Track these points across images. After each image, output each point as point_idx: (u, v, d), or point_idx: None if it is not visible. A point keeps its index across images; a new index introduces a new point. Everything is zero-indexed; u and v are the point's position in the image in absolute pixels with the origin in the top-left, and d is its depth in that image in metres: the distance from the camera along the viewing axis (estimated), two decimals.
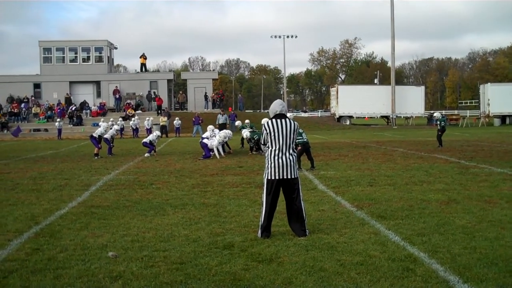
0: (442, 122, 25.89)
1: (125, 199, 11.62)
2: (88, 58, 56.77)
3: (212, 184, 13.75)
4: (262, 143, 8.20)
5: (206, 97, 57.02)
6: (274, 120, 7.95)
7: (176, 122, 45.66)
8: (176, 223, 8.98)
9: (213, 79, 63.48)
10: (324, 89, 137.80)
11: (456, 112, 79.54)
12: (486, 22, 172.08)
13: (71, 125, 50.04)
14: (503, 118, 59.01)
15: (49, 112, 52.07)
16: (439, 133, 25.83)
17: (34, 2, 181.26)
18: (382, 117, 63.76)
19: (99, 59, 56.78)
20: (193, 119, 45.80)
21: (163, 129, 45.49)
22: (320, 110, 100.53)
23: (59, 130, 44.38)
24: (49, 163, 20.35)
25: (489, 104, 58.17)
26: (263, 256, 6.87)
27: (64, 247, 7.48)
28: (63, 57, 56.62)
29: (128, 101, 54.82)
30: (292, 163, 7.91)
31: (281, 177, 7.87)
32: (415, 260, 6.62)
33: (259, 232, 7.93)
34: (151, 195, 12.07)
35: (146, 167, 18.24)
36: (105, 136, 23.47)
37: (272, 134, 7.86)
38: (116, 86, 54.93)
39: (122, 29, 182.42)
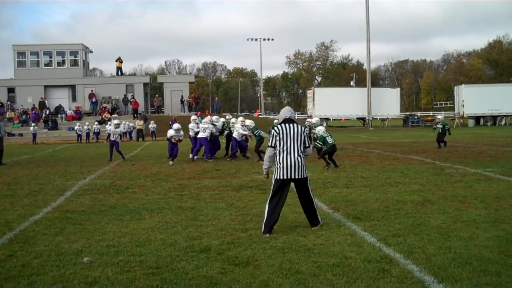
0: (446, 126, 26.04)
1: (100, 203, 11.52)
2: (63, 62, 56.31)
3: (188, 187, 13.71)
4: (270, 145, 8.47)
5: (182, 100, 56.83)
6: (283, 124, 8.46)
7: (152, 125, 45.42)
8: (152, 227, 8.93)
9: (189, 82, 63.48)
10: (300, 91, 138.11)
11: (431, 113, 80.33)
12: (457, 24, 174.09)
13: (46, 130, 49.52)
14: (477, 119, 59.76)
15: (23, 117, 51.47)
16: (442, 135, 25.68)
17: (7, 6, 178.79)
18: (358, 119, 64.17)
19: (74, 63, 56.36)
20: (170, 122, 45.53)
21: (139, 132, 45.29)
22: (297, 113, 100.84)
23: (34, 135, 43.90)
24: (23, 168, 20.11)
25: (463, 105, 58.85)
26: (239, 259, 6.86)
27: (39, 253, 7.39)
28: (38, 61, 56.12)
29: (104, 105, 54.42)
30: (300, 164, 8.34)
31: (289, 177, 8.33)
32: (391, 261, 6.66)
33: (262, 228, 8.26)
34: (127, 200, 11.98)
35: (122, 171, 18.12)
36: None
37: (282, 136, 8.32)
38: (92, 90, 54.57)
39: (96, 32, 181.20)
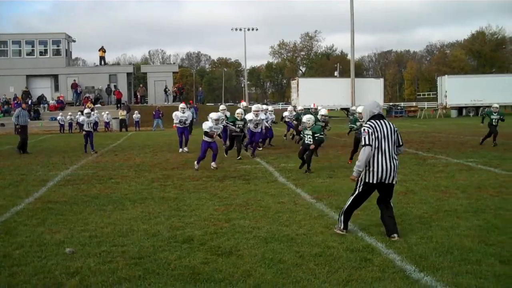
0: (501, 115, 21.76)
1: (83, 194, 11.46)
2: (46, 51, 55.67)
3: (172, 178, 13.67)
4: (367, 143, 7.36)
5: (166, 90, 56.56)
6: (376, 121, 7.44)
7: (135, 116, 45.13)
8: (135, 218, 8.91)
9: (173, 72, 63.02)
10: (285, 82, 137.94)
11: (414, 104, 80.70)
12: (439, 15, 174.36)
13: (29, 120, 48.97)
14: (460, 109, 60.15)
15: (5, 107, 50.93)
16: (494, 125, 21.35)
17: None
18: (342, 109, 64.29)
19: (57, 52, 55.72)
20: (153, 112, 45.44)
21: (122, 123, 45.04)
22: (281, 103, 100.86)
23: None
24: (5, 159, 19.91)
25: (446, 96, 59.15)
26: (222, 249, 6.87)
27: (20, 243, 7.34)
28: (20, 50, 55.45)
29: (87, 94, 53.99)
30: (395, 167, 7.46)
31: (382, 181, 7.39)
32: (372, 250, 6.71)
33: (341, 224, 7.66)
34: (110, 190, 11.93)
35: (105, 162, 18.01)
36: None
37: (377, 135, 7.34)
38: (75, 80, 54.01)
39: (79, 22, 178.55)
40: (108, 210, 9.67)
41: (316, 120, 17.04)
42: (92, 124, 22.34)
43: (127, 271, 6.07)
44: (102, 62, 59.13)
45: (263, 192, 11.14)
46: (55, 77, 55.81)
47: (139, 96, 58.57)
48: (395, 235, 7.27)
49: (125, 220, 8.77)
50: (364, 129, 7.41)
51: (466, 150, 19.08)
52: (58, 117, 44.78)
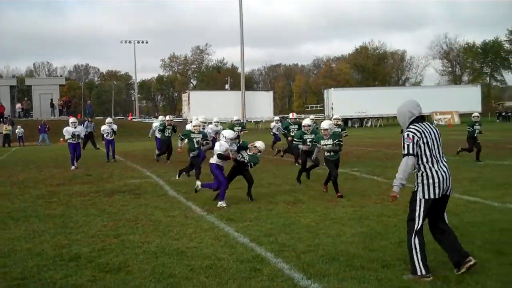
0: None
1: None
2: None
3: (58, 194, 13.20)
4: (410, 152, 6.14)
5: (52, 104, 54.54)
6: (420, 125, 6.30)
7: (18, 130, 42.85)
8: (18, 237, 8.51)
9: (60, 85, 61.04)
10: (176, 95, 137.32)
11: (303, 116, 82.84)
12: (324, 30, 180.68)
13: None
14: (345, 121, 62.46)
15: None
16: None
17: None
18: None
19: None
20: (39, 127, 43.61)
21: (6, 138, 42.90)
22: (172, 116, 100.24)
23: None
24: None
25: (332, 108, 61.25)
26: (111, 266, 6.71)
27: None
28: None
29: None
30: (450, 175, 6.30)
31: (442, 194, 6.20)
32: (262, 260, 6.80)
33: (421, 270, 6.04)
34: None
35: None
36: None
37: (425, 140, 6.18)
38: None
39: None
40: None
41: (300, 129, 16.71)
42: None
43: None
44: None
45: (153, 206, 11.01)
46: None
47: (22, 110, 55.84)
48: (470, 258, 6.16)
49: (7, 240, 8.36)
50: (408, 135, 6.22)
51: (351, 160, 19.82)
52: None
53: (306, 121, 14.71)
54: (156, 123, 22.35)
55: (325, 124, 12.43)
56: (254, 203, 10.98)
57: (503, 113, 70.30)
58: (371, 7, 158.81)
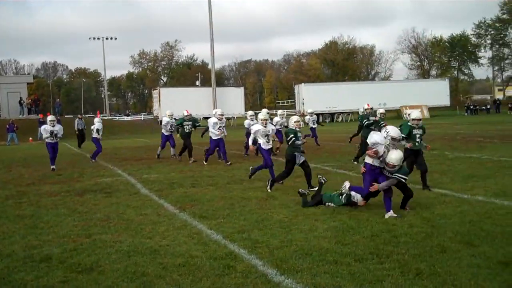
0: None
1: None
2: None
3: (28, 194, 13.00)
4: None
5: (21, 102, 53.75)
6: None
7: None
8: None
9: (28, 83, 60.18)
10: (146, 91, 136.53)
11: (274, 111, 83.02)
12: (294, 26, 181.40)
13: None
14: (317, 116, 62.79)
15: None
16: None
17: None
18: (205, 118, 64.69)
19: None
20: (7, 126, 42.89)
21: None
22: (143, 113, 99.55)
23: None
24: None
25: (303, 103, 61.49)
26: (83, 266, 6.64)
27: None
28: None
29: None
30: None
31: None
32: (235, 257, 6.80)
33: None
34: None
35: None
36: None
37: None
38: None
39: None
40: None
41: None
42: None
43: None
44: None
45: (125, 205, 10.92)
46: None
47: None
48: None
49: None
50: None
51: (322, 155, 19.92)
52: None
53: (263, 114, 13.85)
54: (167, 119, 21.15)
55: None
56: (227, 200, 10.96)
57: (471, 107, 71.26)
58: (340, 2, 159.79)
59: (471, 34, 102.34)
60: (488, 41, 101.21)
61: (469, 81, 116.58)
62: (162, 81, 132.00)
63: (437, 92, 64.51)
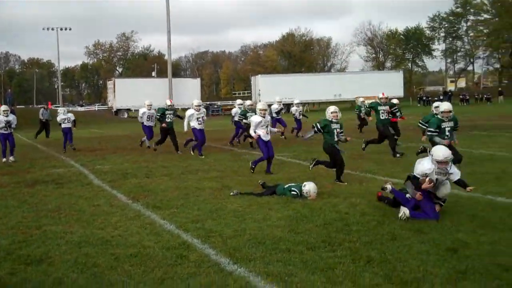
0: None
1: None
2: None
3: None
4: None
5: None
6: None
7: None
8: None
9: None
10: (101, 82, 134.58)
11: (230, 102, 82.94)
12: (251, 17, 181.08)
13: None
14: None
15: None
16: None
17: None
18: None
19: None
20: None
21: None
22: (97, 104, 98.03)
23: None
24: None
25: (260, 94, 61.58)
26: (32, 258, 6.50)
27: None
28: None
29: None
30: None
31: None
32: (188, 246, 6.76)
33: None
34: None
35: None
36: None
37: None
38: None
39: None
40: None
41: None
42: None
43: None
44: None
45: (77, 196, 10.73)
46: None
47: None
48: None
49: None
50: None
51: (277, 145, 19.96)
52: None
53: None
54: (143, 109, 20.67)
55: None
56: (181, 190, 10.89)
57: (424, 98, 72.48)
58: None
59: (426, 27, 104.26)
60: (442, 34, 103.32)
61: (422, 72, 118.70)
62: (117, 72, 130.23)
63: (391, 83, 65.35)
